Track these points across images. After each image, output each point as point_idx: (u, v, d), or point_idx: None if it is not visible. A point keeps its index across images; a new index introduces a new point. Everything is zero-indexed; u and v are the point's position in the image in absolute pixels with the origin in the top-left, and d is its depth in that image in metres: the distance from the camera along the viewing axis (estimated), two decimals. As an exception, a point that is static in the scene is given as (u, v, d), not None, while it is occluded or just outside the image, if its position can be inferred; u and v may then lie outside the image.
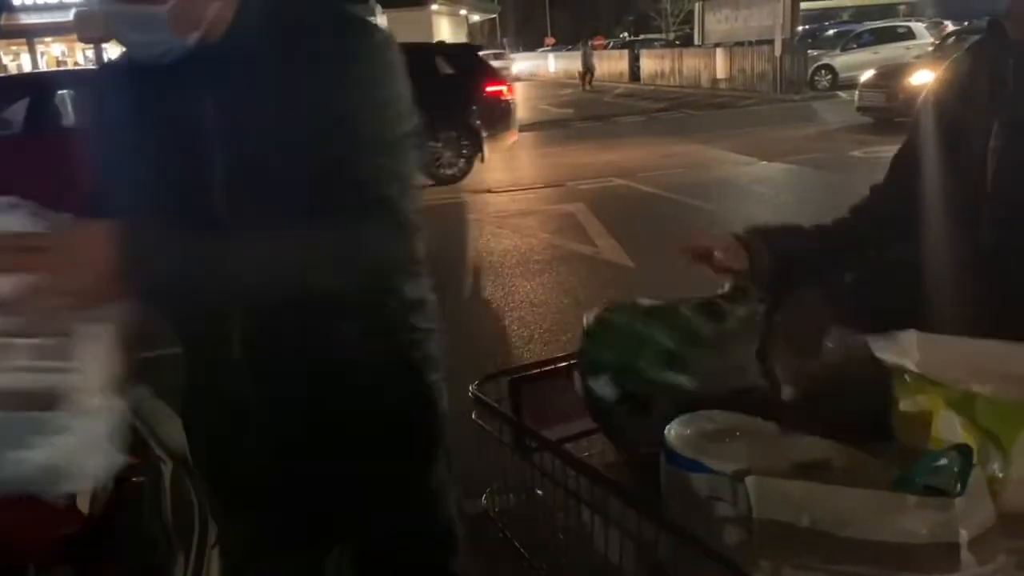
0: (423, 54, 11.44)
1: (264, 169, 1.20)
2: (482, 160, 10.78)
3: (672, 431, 0.94)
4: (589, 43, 33.83)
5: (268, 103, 1.19)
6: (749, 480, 0.82)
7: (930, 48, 15.59)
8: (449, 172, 10.66)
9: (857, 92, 13.55)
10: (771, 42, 20.21)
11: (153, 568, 1.50)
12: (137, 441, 1.75)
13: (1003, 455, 0.82)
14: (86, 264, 0.99)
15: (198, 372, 1.40)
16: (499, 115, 10.99)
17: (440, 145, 10.56)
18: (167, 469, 1.77)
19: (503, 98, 11.11)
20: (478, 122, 10.72)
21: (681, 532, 0.85)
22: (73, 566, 1.54)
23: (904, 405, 0.90)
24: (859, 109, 13.24)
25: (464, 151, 10.73)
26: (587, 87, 29.73)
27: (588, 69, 30.83)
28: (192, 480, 1.77)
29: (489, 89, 10.97)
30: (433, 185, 10.37)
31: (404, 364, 1.39)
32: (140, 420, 1.75)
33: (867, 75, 13.79)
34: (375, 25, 1.28)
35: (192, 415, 1.47)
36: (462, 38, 45.43)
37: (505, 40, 54.55)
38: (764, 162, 10.45)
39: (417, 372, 1.42)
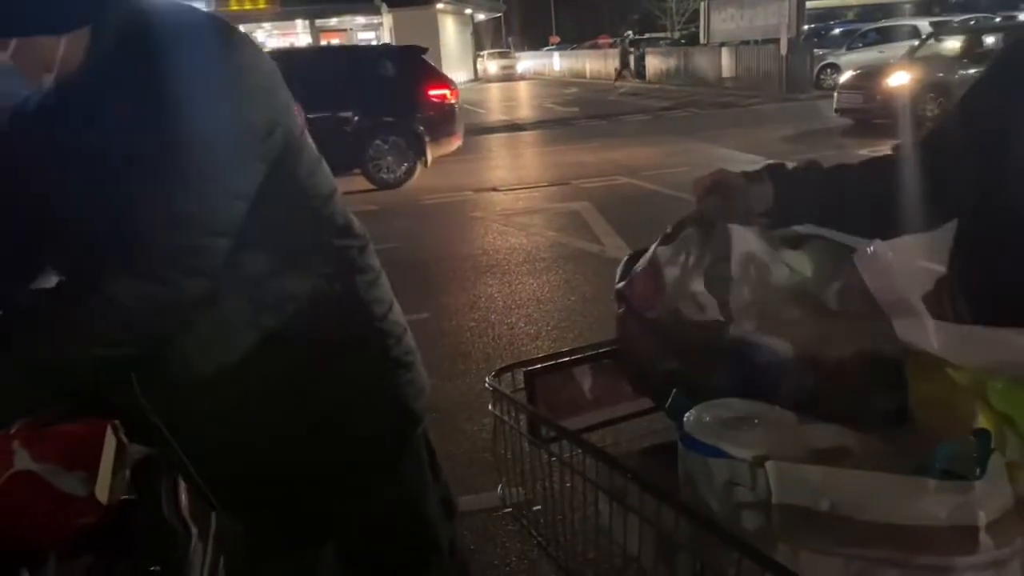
0: (366, 56, 11.42)
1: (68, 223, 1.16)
2: (425, 165, 10.71)
3: (690, 418, 0.95)
4: (626, 40, 34.08)
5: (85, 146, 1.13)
6: (769, 465, 0.83)
7: (916, 43, 15.47)
8: (390, 176, 10.62)
9: (836, 94, 13.52)
10: (777, 41, 20.18)
11: (172, 558, 1.52)
12: (153, 432, 1.76)
13: (1021, 439, 0.83)
14: None
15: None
16: (442, 119, 10.86)
17: (386, 147, 10.51)
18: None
19: (447, 102, 10.94)
20: (420, 127, 10.61)
21: (700, 517, 0.86)
22: (93, 556, 1.55)
23: (921, 388, 0.91)
24: (837, 111, 13.20)
25: (406, 155, 10.62)
26: (621, 82, 29.95)
27: (625, 65, 31.13)
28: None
29: (432, 92, 10.80)
30: (374, 189, 10.34)
31: (371, 369, 1.35)
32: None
33: (845, 77, 13.85)
34: (208, 39, 1.15)
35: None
36: (467, 37, 45.44)
37: (510, 39, 54.54)
38: (770, 161, 10.44)
39: (386, 376, 1.37)
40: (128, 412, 1.87)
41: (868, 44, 20.83)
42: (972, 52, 12.61)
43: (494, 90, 33.95)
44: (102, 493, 1.54)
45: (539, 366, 1.34)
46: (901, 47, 19.42)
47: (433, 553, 1.47)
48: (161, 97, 1.07)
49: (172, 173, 1.08)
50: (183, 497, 1.67)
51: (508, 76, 41.51)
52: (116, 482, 1.61)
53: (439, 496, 1.49)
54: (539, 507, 1.27)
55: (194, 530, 1.54)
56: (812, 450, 0.88)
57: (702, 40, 26.72)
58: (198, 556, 1.55)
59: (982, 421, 0.85)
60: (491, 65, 43.54)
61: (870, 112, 12.36)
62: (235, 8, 32.84)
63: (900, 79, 12.33)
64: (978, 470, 0.76)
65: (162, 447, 1.82)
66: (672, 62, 28.14)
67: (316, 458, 1.30)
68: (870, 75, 13.09)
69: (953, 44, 13.38)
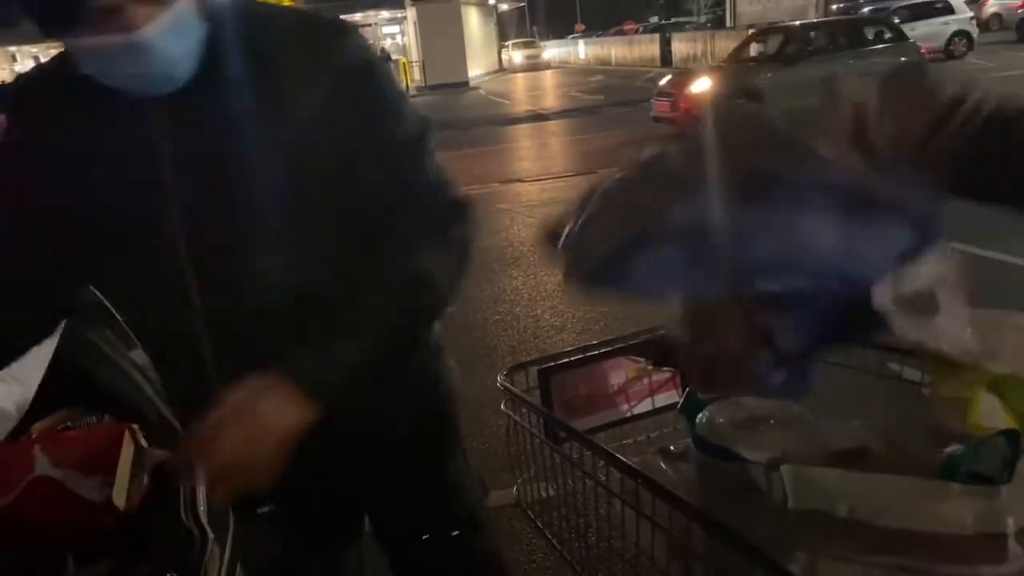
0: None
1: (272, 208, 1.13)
2: None
3: (703, 419, 0.92)
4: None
5: (246, 139, 1.12)
6: (784, 469, 0.80)
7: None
8: None
9: (652, 100, 13.04)
10: (804, 22, 19.88)
11: (188, 563, 1.51)
12: (172, 435, 1.76)
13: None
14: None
15: None
16: None
17: None
18: (202, 463, 1.78)
19: None
20: None
21: (712, 524, 0.82)
22: (110, 561, 1.55)
23: (942, 390, 0.87)
24: (653, 119, 12.69)
25: None
26: None
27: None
28: (227, 474, 1.78)
29: None
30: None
31: (423, 361, 1.36)
32: (174, 415, 1.76)
33: (662, 82, 13.39)
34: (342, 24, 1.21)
35: None
36: (491, 27, 45.35)
37: (535, 28, 54.32)
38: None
39: (434, 367, 1.38)
40: (148, 414, 1.87)
41: (899, 22, 20.39)
42: (783, 54, 11.99)
43: (519, 80, 33.83)
44: (119, 498, 1.54)
45: (552, 364, 1.32)
46: (933, 25, 18.95)
47: (476, 532, 1.47)
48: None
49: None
50: (201, 501, 1.66)
51: (534, 66, 41.27)
52: (134, 486, 1.61)
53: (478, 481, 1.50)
54: (555, 506, 1.25)
55: (211, 535, 1.53)
56: (830, 451, 0.84)
57: (728, 23, 26.40)
58: (215, 561, 1.54)
59: (1007, 420, 0.80)
60: (516, 55, 43.39)
61: (678, 121, 11.96)
62: (259, 5, 32.99)
63: (703, 86, 11.88)
64: (1006, 473, 0.72)
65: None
66: (698, 46, 27.81)
67: (376, 452, 1.29)
68: (679, 82, 12.67)
69: (772, 44, 12.70)
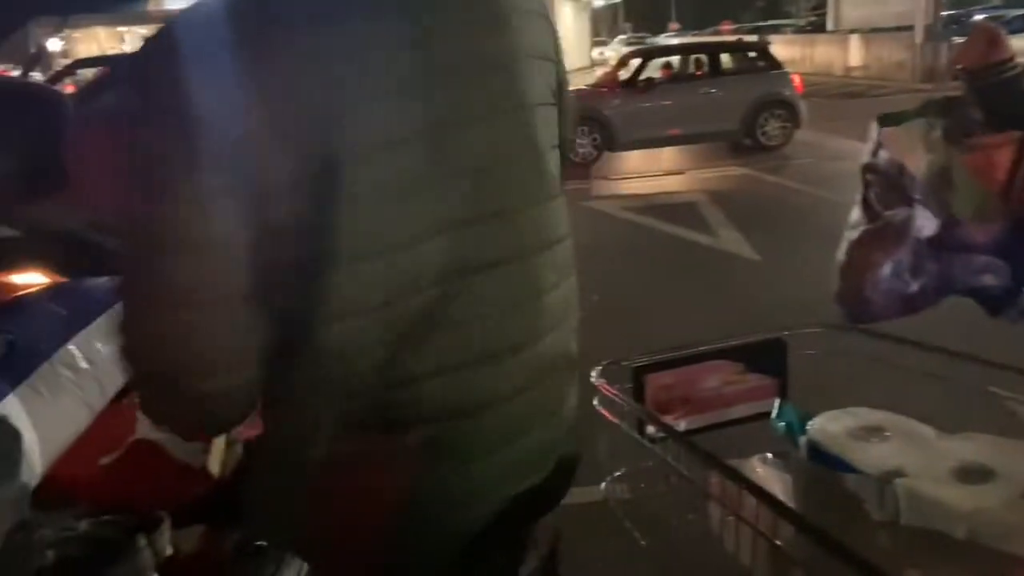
0: None
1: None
2: None
3: (816, 426, 0.89)
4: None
5: None
6: (899, 483, 0.76)
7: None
8: None
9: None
10: (911, 28, 19.15)
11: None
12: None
13: None
14: None
15: None
16: None
17: None
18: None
19: None
20: None
21: (821, 534, 0.80)
22: (203, 525, 1.60)
23: None
24: None
25: None
26: None
27: None
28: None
29: None
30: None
31: None
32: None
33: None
34: None
35: None
36: (584, 24, 45.12)
37: (628, 25, 53.83)
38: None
39: None
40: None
41: (1014, 32, 19.34)
42: (635, 79, 10.76)
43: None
44: (214, 465, 1.59)
45: (646, 362, 1.30)
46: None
47: None
48: None
49: None
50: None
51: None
52: (229, 455, 1.66)
53: None
54: (644, 506, 1.23)
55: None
56: (948, 468, 0.80)
57: (829, 27, 25.65)
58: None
59: None
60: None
61: None
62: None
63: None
64: None
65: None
66: (796, 50, 27.11)
67: None
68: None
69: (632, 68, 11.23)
